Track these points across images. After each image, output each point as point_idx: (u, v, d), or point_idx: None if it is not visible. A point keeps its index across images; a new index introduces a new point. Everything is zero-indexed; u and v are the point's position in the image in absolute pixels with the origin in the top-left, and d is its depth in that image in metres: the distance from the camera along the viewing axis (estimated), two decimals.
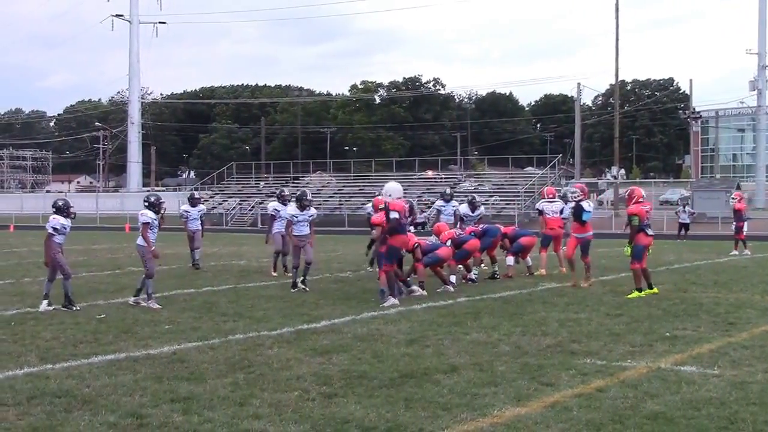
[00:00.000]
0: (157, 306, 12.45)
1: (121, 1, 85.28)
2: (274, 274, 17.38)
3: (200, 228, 19.66)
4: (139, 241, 12.80)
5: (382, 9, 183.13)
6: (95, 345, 9.41)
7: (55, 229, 12.23)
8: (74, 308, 12.13)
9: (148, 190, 77.32)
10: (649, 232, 13.77)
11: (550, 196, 17.99)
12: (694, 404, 6.68)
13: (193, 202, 20.13)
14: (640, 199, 13.87)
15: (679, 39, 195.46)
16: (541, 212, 17.73)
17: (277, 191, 18.75)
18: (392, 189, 13.44)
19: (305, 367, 8.13)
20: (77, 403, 6.80)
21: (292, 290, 14.38)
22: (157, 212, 12.91)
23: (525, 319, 11.08)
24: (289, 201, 17.28)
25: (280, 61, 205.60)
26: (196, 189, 68.08)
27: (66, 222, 12.38)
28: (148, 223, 12.76)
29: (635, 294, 13.46)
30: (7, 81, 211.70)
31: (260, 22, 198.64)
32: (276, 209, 17.49)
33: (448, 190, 19.00)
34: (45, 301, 12.21)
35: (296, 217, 14.85)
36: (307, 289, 14.48)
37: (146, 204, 12.99)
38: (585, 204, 15.18)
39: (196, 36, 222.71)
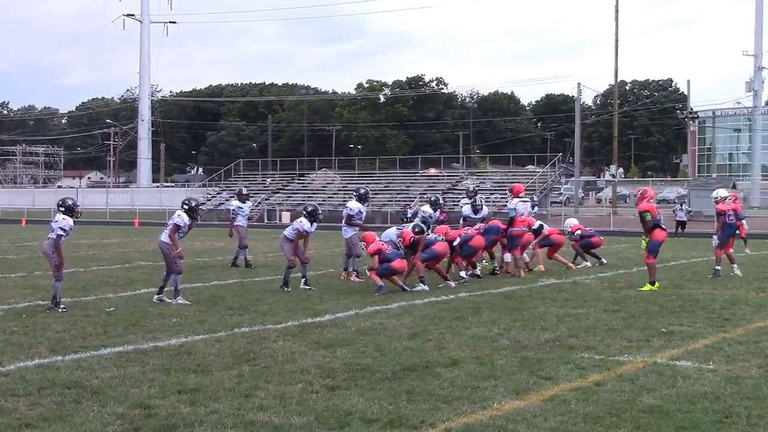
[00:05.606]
0: (187, 302, 12.33)
1: (134, 1, 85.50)
2: (359, 279, 15.44)
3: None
4: (164, 238, 12.49)
5: (398, 8, 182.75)
6: (104, 337, 9.57)
7: (63, 229, 11.76)
8: (60, 309, 11.53)
9: (158, 186, 77.51)
10: (663, 227, 14.29)
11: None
12: (689, 398, 6.78)
13: (243, 198, 19.46)
14: (651, 201, 14.32)
15: (678, 41, 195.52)
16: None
17: (362, 190, 16.74)
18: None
19: (309, 359, 8.27)
20: (86, 393, 6.93)
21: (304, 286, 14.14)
22: (192, 218, 12.63)
23: (524, 314, 11.22)
24: (368, 200, 17.07)
25: (295, 61, 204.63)
26: (204, 185, 68.21)
27: (72, 222, 11.99)
28: (180, 226, 12.49)
29: (648, 287, 13.75)
30: (26, 78, 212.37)
31: (276, 21, 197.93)
32: (360, 211, 16.11)
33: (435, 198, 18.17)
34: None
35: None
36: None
37: (186, 207, 12.62)
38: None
39: (209, 35, 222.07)
